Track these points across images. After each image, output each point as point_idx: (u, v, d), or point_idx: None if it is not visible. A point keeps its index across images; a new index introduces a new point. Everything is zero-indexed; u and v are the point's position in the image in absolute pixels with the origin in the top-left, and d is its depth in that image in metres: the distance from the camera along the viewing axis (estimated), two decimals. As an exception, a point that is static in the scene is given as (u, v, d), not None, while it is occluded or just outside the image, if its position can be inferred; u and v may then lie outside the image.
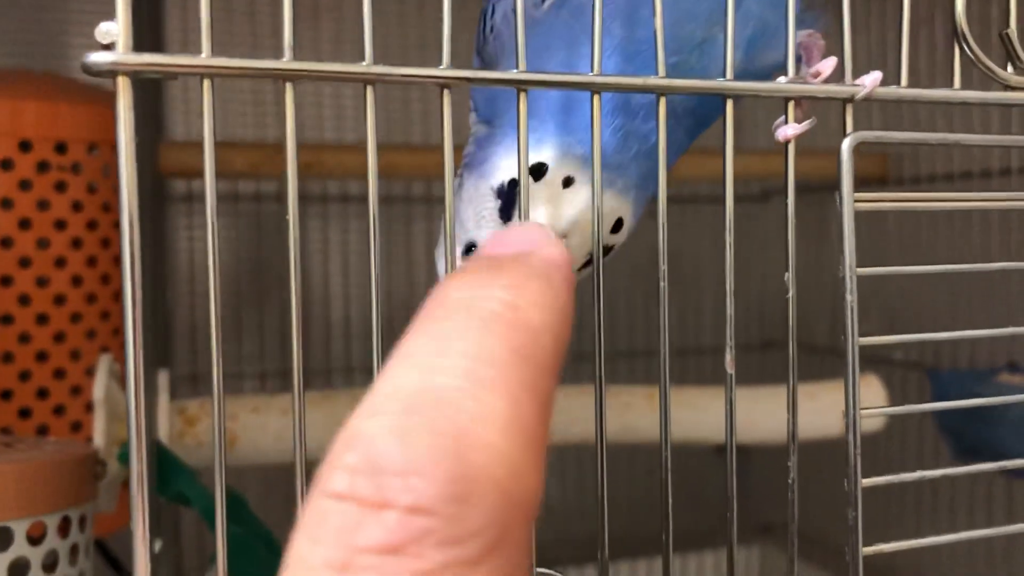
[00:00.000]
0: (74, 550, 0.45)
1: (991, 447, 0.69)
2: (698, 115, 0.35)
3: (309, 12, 0.91)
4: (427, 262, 0.94)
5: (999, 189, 0.78)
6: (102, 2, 0.26)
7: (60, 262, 0.63)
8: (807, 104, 0.32)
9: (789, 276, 0.31)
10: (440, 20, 0.28)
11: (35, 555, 0.43)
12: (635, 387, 0.72)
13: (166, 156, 0.76)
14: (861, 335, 0.31)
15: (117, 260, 0.65)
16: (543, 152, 0.34)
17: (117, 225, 0.65)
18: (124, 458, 0.53)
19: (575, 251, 0.35)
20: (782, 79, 0.31)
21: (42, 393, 0.62)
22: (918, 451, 0.86)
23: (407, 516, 0.15)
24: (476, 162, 0.36)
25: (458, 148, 0.29)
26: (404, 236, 0.94)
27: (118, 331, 0.65)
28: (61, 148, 0.63)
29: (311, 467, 0.28)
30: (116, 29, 0.24)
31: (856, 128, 0.31)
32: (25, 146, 0.62)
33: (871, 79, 0.31)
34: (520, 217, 0.29)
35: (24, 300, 0.62)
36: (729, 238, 0.30)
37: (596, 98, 0.29)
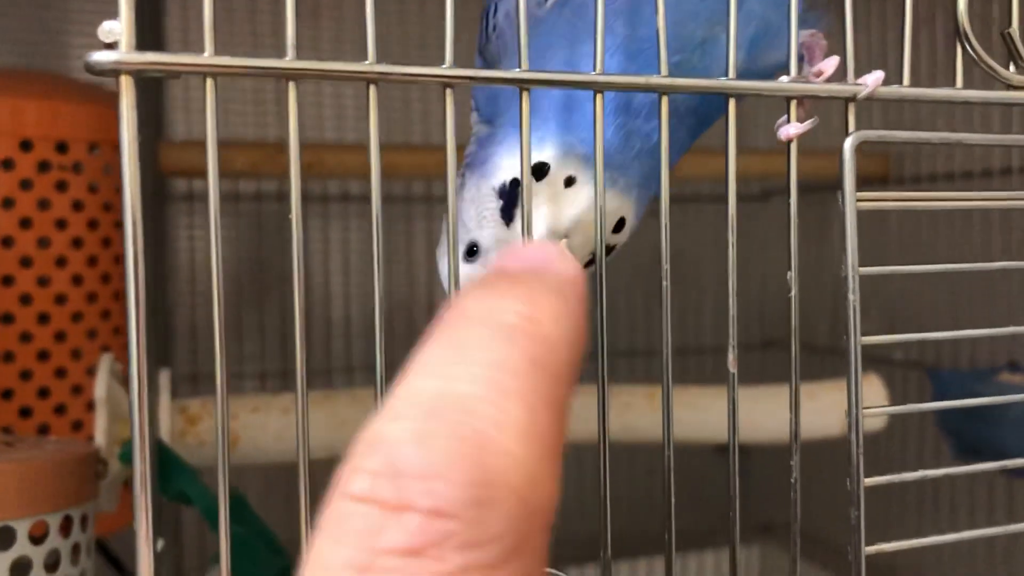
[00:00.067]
0: (76, 549, 0.45)
1: (992, 446, 0.69)
2: (700, 114, 0.35)
3: (309, 12, 0.91)
4: (427, 261, 0.94)
5: (1000, 188, 0.78)
6: (103, 1, 0.26)
7: (61, 261, 0.63)
8: (809, 103, 0.32)
9: (791, 275, 0.31)
10: (440, 19, 0.28)
11: (37, 554, 0.43)
12: (635, 387, 0.72)
13: (166, 155, 0.75)
14: (862, 334, 0.31)
15: (118, 260, 0.65)
16: (545, 151, 0.34)
17: (118, 225, 0.65)
18: (125, 457, 0.53)
19: (577, 251, 0.35)
20: (785, 78, 0.31)
21: (43, 392, 0.62)
22: (918, 451, 0.86)
23: (428, 519, 0.16)
24: (477, 162, 0.36)
25: (459, 148, 0.29)
26: (404, 236, 0.94)
27: (119, 330, 0.65)
28: (62, 148, 0.63)
29: (312, 466, 0.28)
30: (119, 28, 0.24)
31: (857, 128, 0.31)
32: (26, 146, 0.62)
33: (873, 78, 0.31)
34: (523, 217, 0.29)
35: (25, 299, 0.62)
36: (732, 237, 0.30)
37: (599, 97, 0.29)
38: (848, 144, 0.31)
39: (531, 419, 0.17)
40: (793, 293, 0.31)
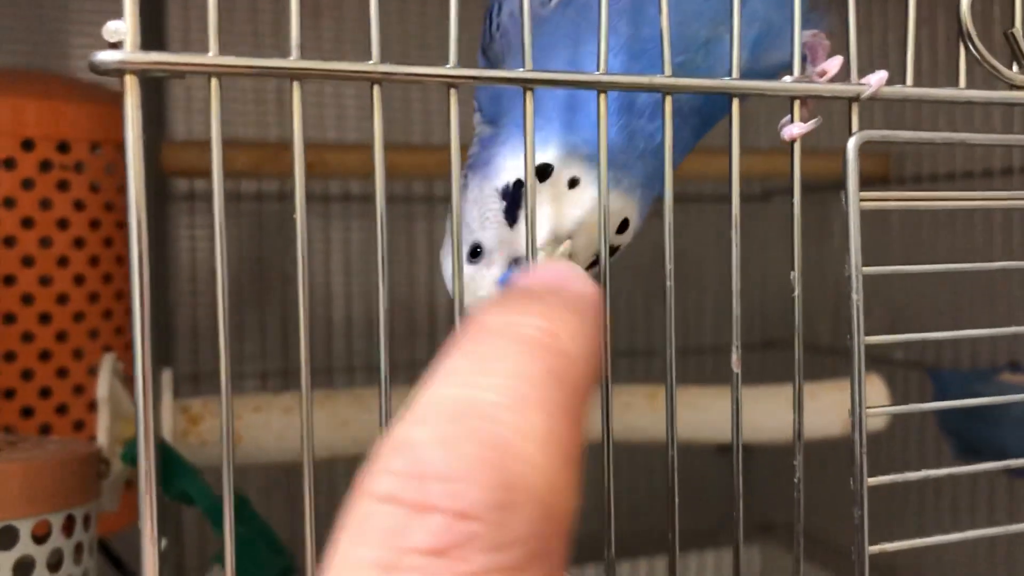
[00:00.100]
0: (78, 549, 0.45)
1: (993, 446, 0.69)
2: (704, 114, 0.35)
3: (310, 12, 0.91)
4: (428, 261, 0.94)
5: (1001, 188, 0.78)
6: (104, 1, 0.26)
7: (63, 261, 0.63)
8: (812, 103, 0.32)
9: (795, 275, 0.31)
10: (441, 19, 0.28)
11: (40, 554, 0.43)
12: (635, 387, 0.71)
13: (168, 155, 0.75)
14: (864, 334, 0.31)
15: (120, 259, 0.65)
16: (548, 152, 0.34)
17: (120, 224, 0.65)
18: (127, 457, 0.53)
19: (580, 252, 0.35)
20: (788, 78, 0.31)
21: (45, 392, 0.62)
22: (919, 451, 0.86)
23: (453, 520, 0.16)
24: (480, 163, 0.36)
25: (461, 148, 0.29)
26: (405, 236, 0.95)
27: (121, 330, 0.65)
28: (63, 147, 0.63)
29: (314, 466, 0.28)
30: (124, 28, 0.24)
31: (860, 128, 0.31)
32: (27, 145, 0.62)
33: (877, 78, 0.31)
34: (527, 218, 0.29)
35: (27, 299, 0.62)
36: (735, 237, 0.30)
37: (602, 97, 0.29)
38: (852, 144, 0.31)
39: (551, 428, 0.17)
40: (796, 292, 0.31)
